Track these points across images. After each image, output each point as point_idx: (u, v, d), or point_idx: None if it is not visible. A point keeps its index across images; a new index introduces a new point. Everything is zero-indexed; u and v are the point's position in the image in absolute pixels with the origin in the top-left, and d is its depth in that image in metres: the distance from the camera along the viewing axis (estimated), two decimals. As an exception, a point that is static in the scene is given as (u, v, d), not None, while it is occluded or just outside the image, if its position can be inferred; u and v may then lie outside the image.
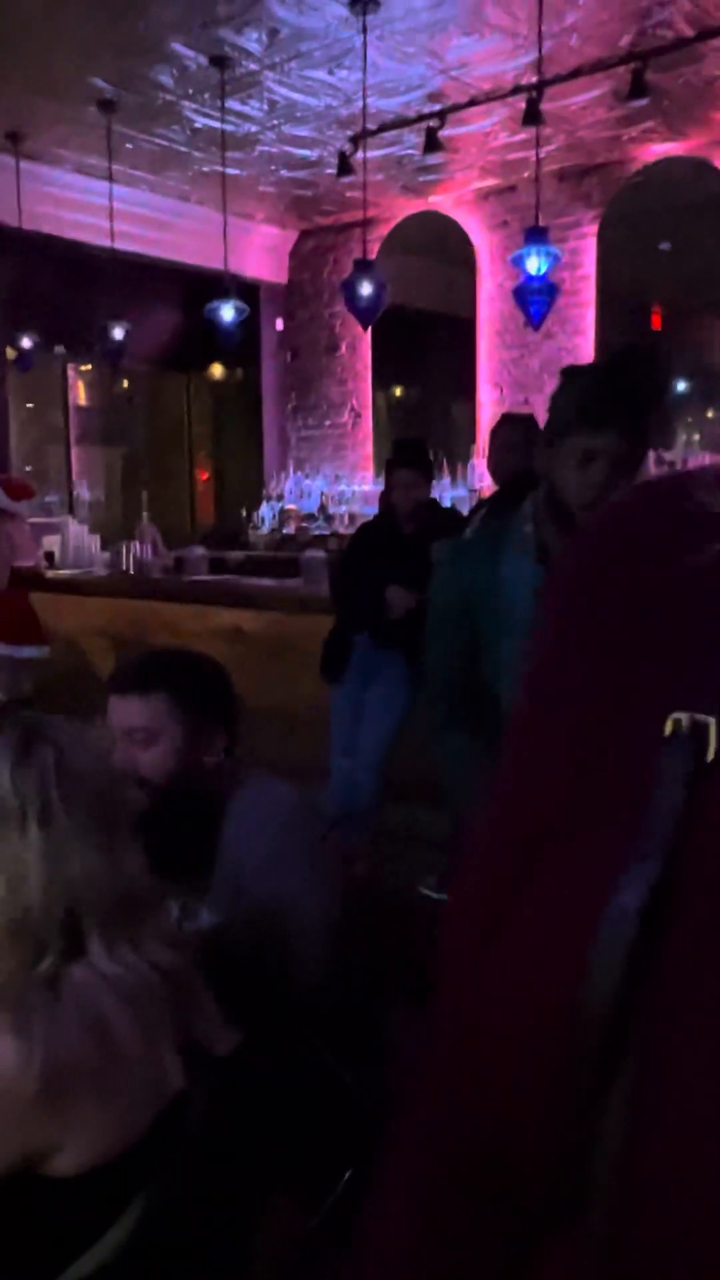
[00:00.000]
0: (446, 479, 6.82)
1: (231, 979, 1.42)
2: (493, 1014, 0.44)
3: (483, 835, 0.52)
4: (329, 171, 6.48)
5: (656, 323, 7.38)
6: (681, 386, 6.77)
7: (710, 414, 6.74)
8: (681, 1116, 0.36)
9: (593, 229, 6.60)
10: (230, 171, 6.36)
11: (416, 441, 4.28)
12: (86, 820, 1.24)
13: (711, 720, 0.40)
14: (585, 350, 6.68)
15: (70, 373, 8.28)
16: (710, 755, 0.40)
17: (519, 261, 4.73)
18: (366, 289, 4.90)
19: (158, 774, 1.63)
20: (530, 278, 4.67)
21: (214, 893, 1.64)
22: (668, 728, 0.41)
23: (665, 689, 0.42)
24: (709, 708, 0.41)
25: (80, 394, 8.52)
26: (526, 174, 6.22)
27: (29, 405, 8.00)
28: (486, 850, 0.50)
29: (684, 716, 0.41)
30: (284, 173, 6.79)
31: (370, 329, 7.62)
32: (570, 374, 1.81)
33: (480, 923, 0.47)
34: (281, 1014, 1.55)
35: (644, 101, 5.06)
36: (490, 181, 6.85)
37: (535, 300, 4.67)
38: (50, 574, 6.16)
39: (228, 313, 5.61)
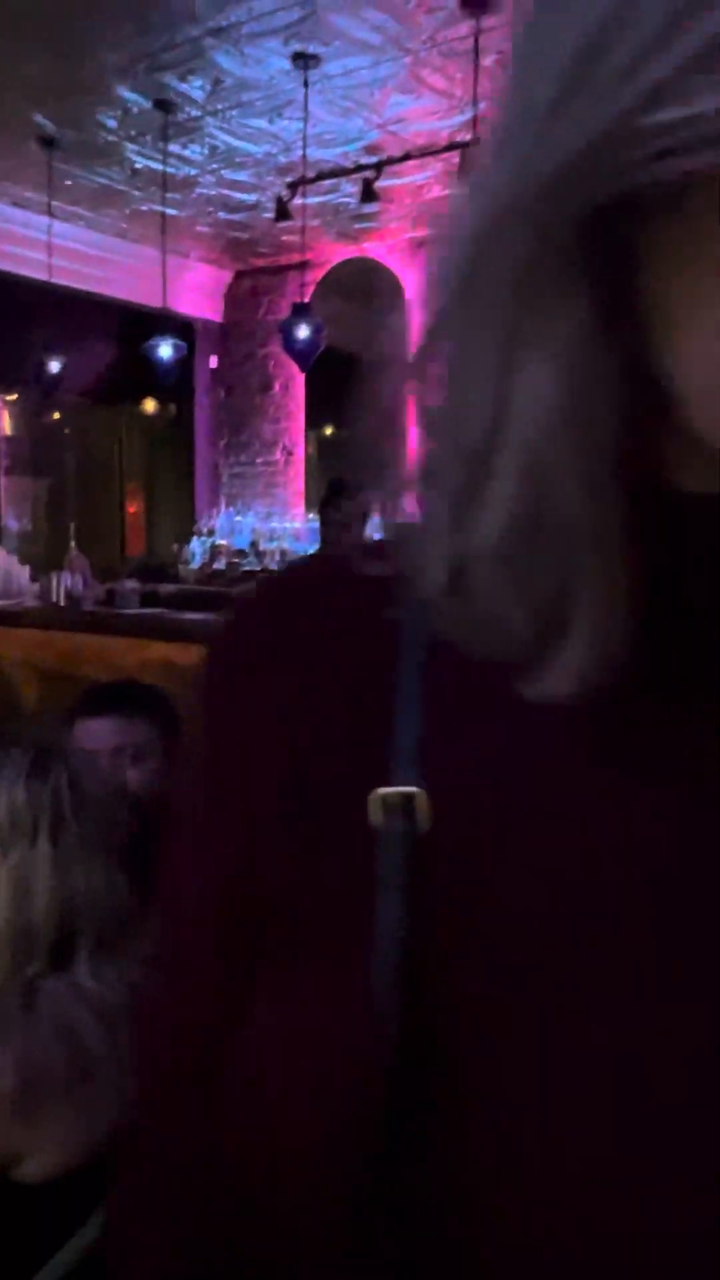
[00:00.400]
0: (376, 517, 6.93)
1: None
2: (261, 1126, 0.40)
3: (178, 950, 0.48)
4: (266, 215, 6.59)
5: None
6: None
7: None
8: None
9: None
10: (169, 212, 6.45)
11: (344, 479, 4.38)
12: (93, 839, 1.26)
13: (417, 790, 0.38)
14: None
15: (-1, 403, 8.24)
16: (424, 826, 0.38)
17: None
18: (304, 331, 5.01)
19: (145, 792, 1.68)
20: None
21: None
22: (374, 811, 0.38)
23: (362, 764, 0.40)
24: (413, 777, 0.39)
25: (5, 424, 8.46)
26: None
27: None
28: (193, 965, 0.46)
29: (390, 792, 0.38)
30: (221, 215, 6.90)
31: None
32: None
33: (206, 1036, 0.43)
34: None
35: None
36: (423, 231, 7.05)
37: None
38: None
39: (165, 350, 5.67)
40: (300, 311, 5.08)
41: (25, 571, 6.69)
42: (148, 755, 1.72)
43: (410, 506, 0.43)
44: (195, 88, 5.05)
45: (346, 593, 0.45)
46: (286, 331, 5.04)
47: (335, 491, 4.13)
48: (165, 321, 5.95)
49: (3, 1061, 1.15)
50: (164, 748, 1.72)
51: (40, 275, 6.48)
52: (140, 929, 1.34)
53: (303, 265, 7.48)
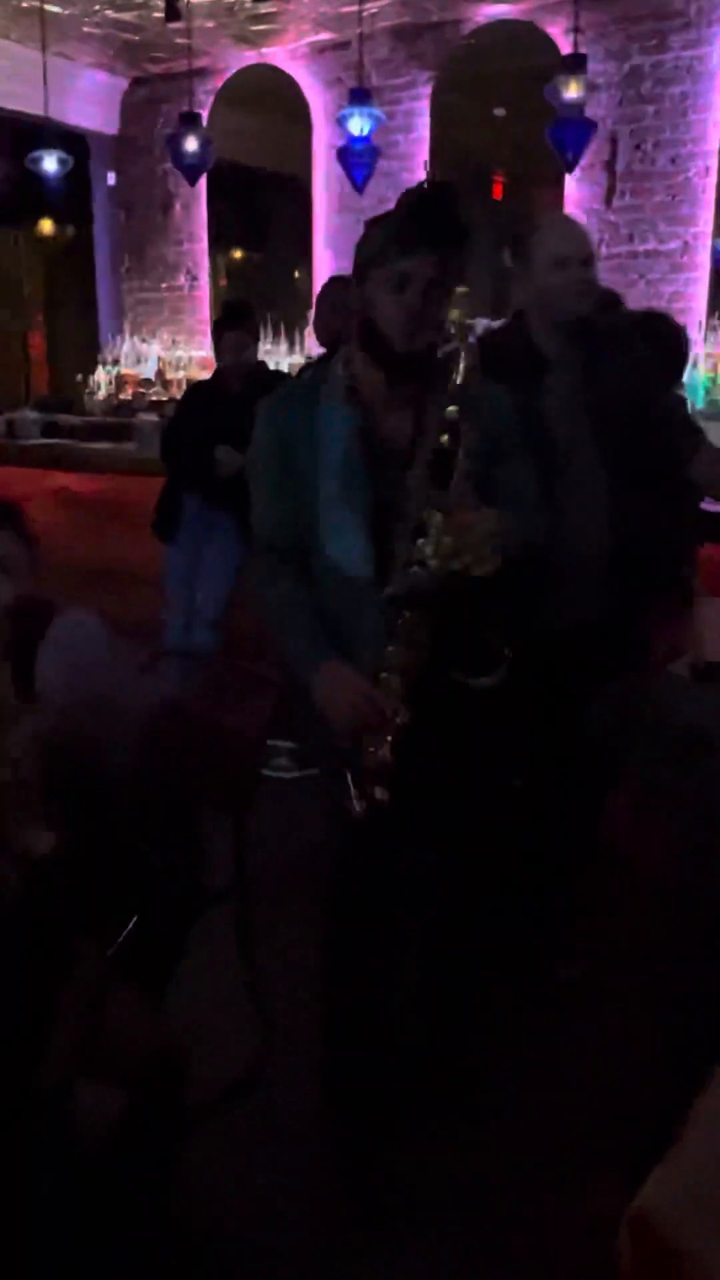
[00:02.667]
0: (285, 345, 6.86)
1: (54, 782, 1.60)
2: None
3: None
4: (158, 15, 6.23)
5: (498, 192, 7.47)
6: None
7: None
8: None
9: (427, 90, 6.57)
10: (50, 8, 6.05)
11: (242, 302, 4.31)
12: None
13: None
14: (419, 217, 6.74)
15: None
16: None
17: (342, 122, 4.74)
18: (192, 144, 4.83)
19: (13, 599, 1.77)
20: (353, 139, 4.69)
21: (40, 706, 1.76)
22: None
23: None
24: None
25: None
26: (364, 30, 6.14)
27: None
28: None
29: None
30: (110, 13, 6.48)
31: (206, 187, 7.49)
32: (374, 219, 1.84)
33: None
34: (95, 811, 1.74)
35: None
36: (324, 35, 6.72)
37: (357, 163, 4.71)
38: None
39: (51, 163, 5.42)
40: (188, 121, 4.88)
41: None
42: (13, 566, 1.79)
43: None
44: None
45: None
46: (174, 144, 4.85)
47: (230, 315, 4.08)
48: (50, 132, 5.66)
49: None
50: (23, 561, 1.80)
51: None
52: (16, 714, 1.47)
53: (201, 73, 7.12)
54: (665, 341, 3.57)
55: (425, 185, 1.93)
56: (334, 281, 4.05)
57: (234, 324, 3.97)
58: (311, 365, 4.11)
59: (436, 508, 1.72)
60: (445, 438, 1.76)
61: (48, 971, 1.48)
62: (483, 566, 1.69)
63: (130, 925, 1.58)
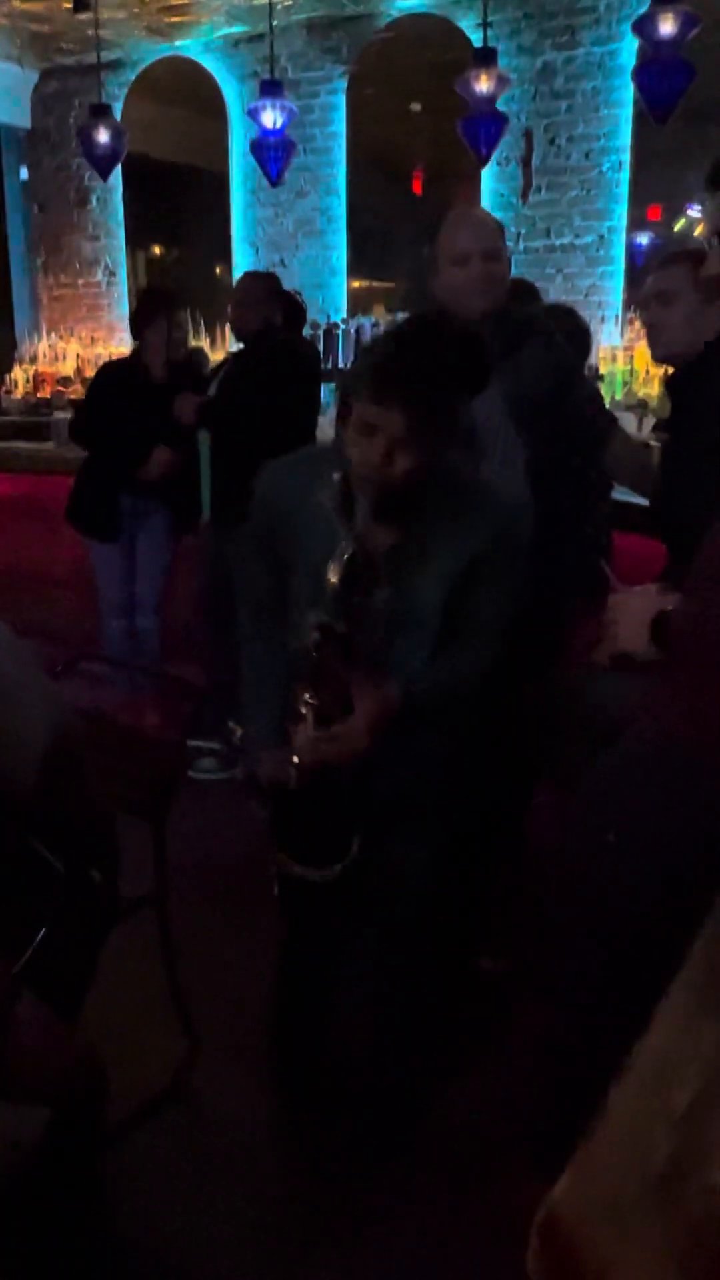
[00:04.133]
0: (206, 340, 6.78)
1: None
2: None
3: None
4: (67, 5, 6.11)
5: (417, 187, 7.47)
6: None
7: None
8: None
9: (343, 85, 6.55)
10: (-46, -2, 5.90)
11: (160, 289, 4.19)
12: None
13: None
14: (338, 209, 6.71)
15: None
16: None
17: (255, 115, 4.70)
18: (104, 135, 4.75)
19: None
20: (266, 131, 4.65)
21: None
22: None
23: None
24: None
25: None
26: (276, 23, 6.10)
27: None
28: None
29: None
30: (15, 2, 6.34)
31: (122, 182, 7.38)
32: (368, 345, 1.81)
33: None
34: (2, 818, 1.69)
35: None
36: (239, 28, 6.67)
37: (272, 155, 4.67)
38: None
39: (-42, 157, 5.30)
40: (99, 113, 4.79)
41: None
42: None
43: None
44: None
45: None
46: (85, 136, 4.77)
47: (148, 304, 3.99)
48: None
49: None
50: None
51: None
52: None
53: (113, 65, 7.01)
54: (574, 336, 3.63)
55: (409, 326, 1.81)
56: (247, 276, 4.01)
57: (153, 314, 3.89)
58: (226, 363, 4.05)
59: (311, 691, 1.74)
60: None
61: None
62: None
63: (38, 939, 1.53)
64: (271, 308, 3.80)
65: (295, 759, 1.75)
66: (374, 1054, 2.20)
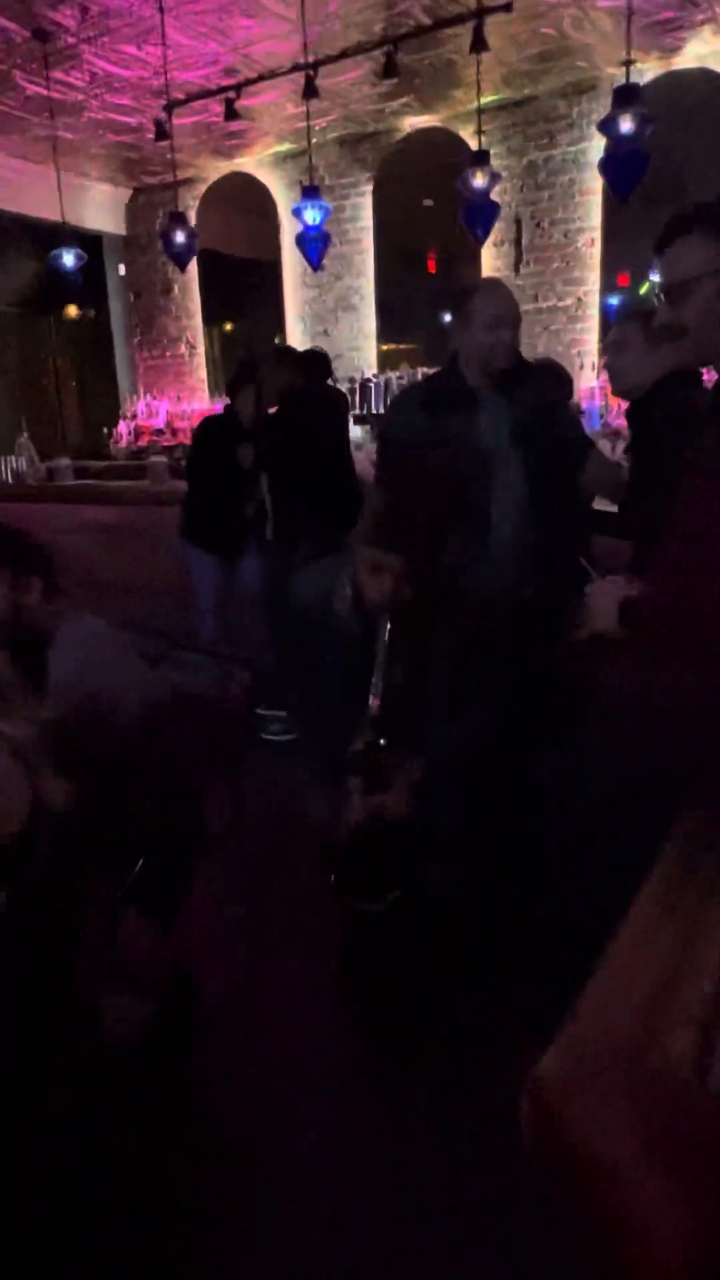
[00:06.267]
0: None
1: (65, 753, 1.55)
2: None
3: None
4: (150, 136, 6.13)
5: (431, 266, 7.39)
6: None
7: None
8: None
9: (369, 188, 6.51)
10: (62, 135, 5.94)
11: (250, 361, 4.12)
12: None
13: None
14: (367, 288, 6.67)
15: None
16: None
17: (298, 214, 4.67)
18: (180, 237, 4.75)
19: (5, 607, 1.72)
20: (308, 227, 4.62)
21: (51, 692, 1.73)
22: None
23: None
24: None
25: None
26: (315, 141, 6.06)
27: None
28: None
29: None
30: (111, 137, 6.38)
31: (198, 274, 7.38)
32: (368, 503, 1.79)
33: None
34: (104, 773, 1.69)
35: (395, 80, 4.98)
36: (285, 146, 6.64)
37: (312, 246, 4.63)
38: (-60, 486, 5.90)
39: (69, 259, 5.33)
40: (176, 220, 4.80)
41: (-21, 457, 6.47)
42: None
43: None
44: (67, 16, 4.59)
45: None
46: (165, 237, 4.77)
47: (246, 371, 3.94)
48: (67, 233, 5.56)
49: None
50: (4, 581, 1.75)
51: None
52: (16, 698, 1.42)
53: (187, 181, 7.01)
54: (560, 381, 3.60)
55: (400, 483, 1.82)
56: (276, 349, 3.94)
57: (244, 382, 3.84)
58: (269, 417, 3.94)
59: (361, 779, 1.75)
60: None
61: (68, 907, 1.44)
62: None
63: (138, 867, 1.53)
64: (287, 373, 3.74)
65: (346, 822, 1.80)
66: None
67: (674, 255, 1.44)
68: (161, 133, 5.69)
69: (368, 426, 5.82)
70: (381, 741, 1.75)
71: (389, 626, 1.72)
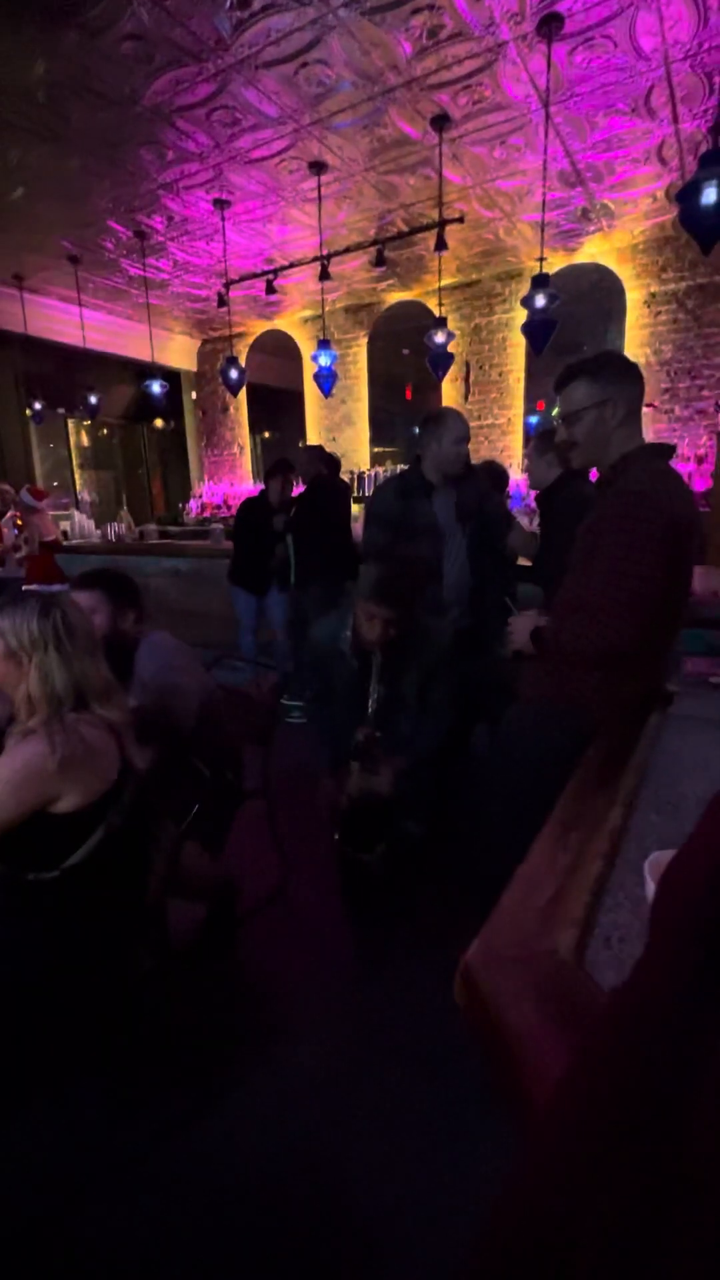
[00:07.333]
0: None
1: (145, 730, 1.56)
2: None
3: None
4: (215, 304, 6.19)
5: (408, 395, 7.44)
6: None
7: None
8: None
9: (364, 342, 6.57)
10: (154, 302, 6.00)
11: (283, 460, 4.11)
12: (81, 646, 1.28)
13: None
14: (363, 409, 6.71)
15: (70, 425, 7.74)
16: None
17: (315, 359, 4.71)
18: (234, 373, 4.79)
19: (103, 630, 1.72)
20: (322, 368, 4.66)
21: (134, 688, 1.73)
22: None
23: None
24: None
25: (82, 437, 7.98)
26: (327, 309, 6.13)
27: (50, 445, 7.46)
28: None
29: None
30: (188, 304, 6.45)
31: (246, 398, 7.43)
32: (373, 559, 1.78)
33: None
34: (172, 745, 1.69)
35: (383, 268, 5.04)
36: (308, 312, 6.70)
37: (325, 380, 4.67)
38: (65, 544, 5.89)
39: (156, 387, 5.36)
40: (230, 361, 4.83)
41: (91, 524, 6.47)
42: (99, 611, 1.73)
43: None
44: (157, 222, 4.65)
45: None
46: (223, 373, 4.80)
47: (275, 468, 3.95)
48: (156, 369, 5.60)
49: (54, 749, 1.21)
50: (112, 603, 1.75)
51: (79, 343, 6.02)
52: (115, 691, 1.42)
53: (239, 335, 7.08)
54: (495, 475, 3.61)
55: (395, 566, 1.78)
56: (301, 451, 3.93)
57: (276, 474, 3.87)
58: (299, 495, 3.95)
59: (359, 762, 1.78)
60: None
61: (146, 838, 1.44)
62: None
63: (193, 812, 1.53)
64: (317, 465, 3.77)
65: (347, 794, 1.83)
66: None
67: (568, 393, 1.47)
68: (222, 302, 5.75)
69: (361, 505, 5.86)
70: (377, 734, 1.77)
71: (380, 659, 1.75)
